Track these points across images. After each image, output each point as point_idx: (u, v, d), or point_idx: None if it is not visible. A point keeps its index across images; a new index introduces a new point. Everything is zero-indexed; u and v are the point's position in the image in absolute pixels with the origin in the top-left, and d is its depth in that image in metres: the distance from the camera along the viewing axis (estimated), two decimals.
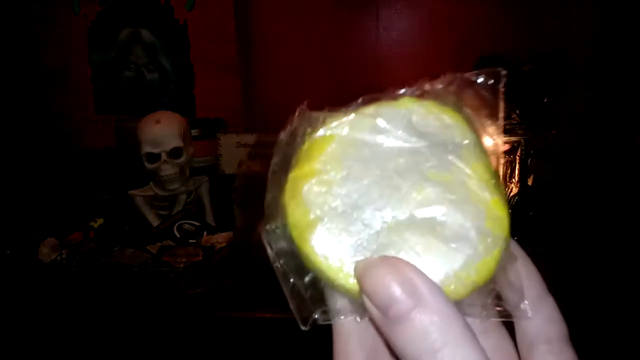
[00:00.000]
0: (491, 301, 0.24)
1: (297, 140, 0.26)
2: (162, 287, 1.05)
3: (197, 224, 1.25)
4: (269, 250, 0.25)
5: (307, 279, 0.25)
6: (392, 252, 0.23)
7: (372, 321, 0.21)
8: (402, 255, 0.22)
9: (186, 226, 1.24)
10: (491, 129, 0.26)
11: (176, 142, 1.23)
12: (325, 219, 0.23)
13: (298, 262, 0.24)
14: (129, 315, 1.02)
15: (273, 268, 0.25)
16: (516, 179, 1.15)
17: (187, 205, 1.33)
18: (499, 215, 0.23)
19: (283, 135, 0.27)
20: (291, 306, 0.25)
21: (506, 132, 1.12)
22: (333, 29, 1.61)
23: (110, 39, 1.74)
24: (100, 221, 1.25)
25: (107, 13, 1.72)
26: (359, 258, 0.23)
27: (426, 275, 0.21)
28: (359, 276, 0.22)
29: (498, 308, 0.24)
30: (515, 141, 1.14)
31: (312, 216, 0.24)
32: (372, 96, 0.26)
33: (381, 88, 0.27)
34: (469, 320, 0.24)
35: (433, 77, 0.27)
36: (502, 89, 0.25)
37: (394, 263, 0.21)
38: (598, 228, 1.16)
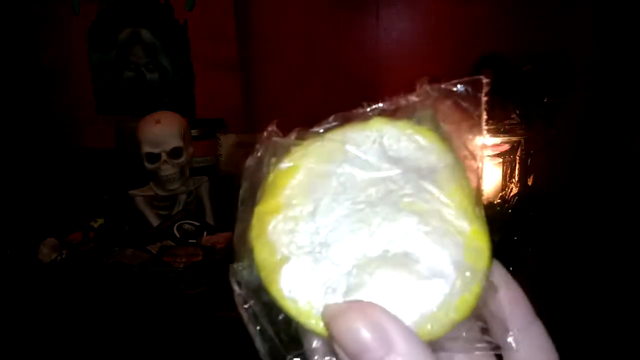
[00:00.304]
0: (475, 334, 0.22)
1: (263, 169, 0.25)
2: (162, 287, 1.05)
3: (197, 224, 1.25)
4: (236, 291, 0.24)
5: (279, 320, 0.23)
6: (362, 293, 0.21)
7: None
8: (372, 296, 0.21)
9: (186, 226, 1.24)
10: (473, 144, 0.24)
11: (176, 142, 1.23)
12: (292, 259, 0.22)
13: (268, 302, 0.23)
14: (129, 315, 1.02)
15: (240, 311, 0.24)
16: (516, 179, 1.15)
17: (187, 205, 1.33)
18: (478, 246, 0.22)
19: (250, 161, 0.25)
20: (261, 351, 0.23)
21: (506, 132, 1.12)
22: (333, 29, 1.61)
23: (110, 39, 1.74)
24: (100, 221, 1.25)
25: (107, 13, 1.72)
26: (329, 300, 0.21)
27: (398, 319, 0.20)
28: (327, 323, 0.20)
29: (484, 341, 0.23)
30: (515, 141, 1.14)
31: (278, 257, 0.22)
32: (343, 114, 0.25)
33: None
34: (458, 356, 0.23)
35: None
36: (484, 98, 0.23)
37: (363, 308, 0.20)
38: (598, 228, 1.16)
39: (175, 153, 1.24)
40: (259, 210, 0.24)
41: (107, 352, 1.02)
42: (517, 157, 1.15)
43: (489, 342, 0.23)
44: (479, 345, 0.23)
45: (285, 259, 0.22)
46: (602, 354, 0.87)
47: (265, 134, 0.25)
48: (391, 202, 0.22)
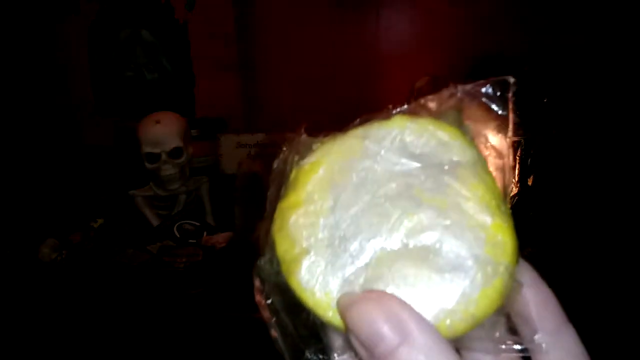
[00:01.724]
0: (501, 335, 0.22)
1: (287, 168, 0.25)
2: (162, 287, 1.05)
3: (197, 224, 1.25)
4: (257, 286, 0.24)
5: (299, 316, 0.23)
6: (380, 286, 0.21)
7: None
8: (390, 288, 0.21)
9: (186, 226, 1.24)
10: (498, 143, 0.24)
11: (176, 142, 1.23)
12: (312, 252, 0.22)
13: (290, 297, 0.23)
14: (129, 315, 1.02)
15: (261, 306, 0.24)
16: (516, 179, 1.15)
17: (187, 205, 1.33)
18: (501, 240, 0.21)
19: (276, 164, 0.26)
20: (281, 345, 0.23)
21: None
22: (333, 29, 1.61)
23: (110, 39, 1.74)
24: (100, 221, 1.25)
25: (107, 13, 1.72)
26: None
27: (414, 310, 0.19)
28: (343, 313, 0.20)
29: (511, 341, 0.22)
30: (515, 141, 1.14)
31: (297, 250, 0.22)
32: (368, 116, 0.25)
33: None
34: (482, 357, 0.23)
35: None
36: (511, 99, 0.23)
37: (379, 297, 0.20)
38: (598, 228, 1.16)
39: (175, 153, 1.24)
40: (282, 205, 0.24)
41: (107, 352, 1.02)
42: (517, 157, 1.15)
43: (516, 343, 0.22)
44: (505, 346, 0.22)
45: (305, 252, 0.22)
46: (602, 354, 0.87)
47: (290, 137, 0.25)
48: (411, 196, 0.22)
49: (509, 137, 0.24)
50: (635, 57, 1.37)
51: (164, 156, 1.23)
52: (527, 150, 1.16)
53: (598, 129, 1.38)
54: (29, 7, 1.74)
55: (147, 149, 1.22)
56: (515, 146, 1.15)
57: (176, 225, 1.23)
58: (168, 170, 1.24)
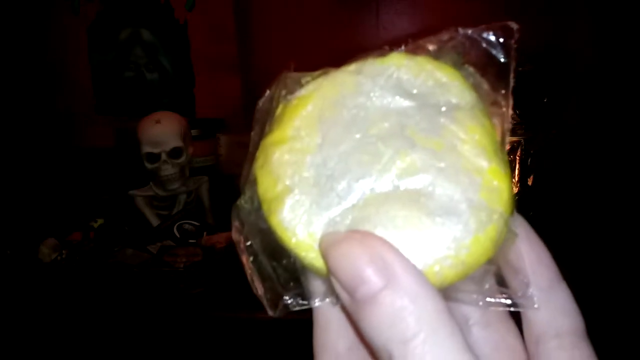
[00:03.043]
0: (490, 288, 0.21)
1: (274, 105, 0.24)
2: (162, 287, 1.05)
3: (197, 224, 1.25)
4: (236, 226, 0.23)
5: (280, 259, 0.22)
6: (367, 227, 0.19)
7: (343, 306, 0.18)
8: (378, 230, 0.19)
9: (186, 226, 1.24)
10: (499, 88, 0.22)
11: (176, 142, 1.23)
12: (296, 191, 0.21)
13: (270, 240, 0.22)
14: (129, 315, 1.01)
15: (239, 248, 0.22)
16: (516, 179, 1.15)
17: (187, 205, 1.33)
18: (497, 185, 0.20)
19: (261, 102, 0.24)
20: (258, 290, 0.22)
21: None
22: (333, 29, 1.61)
23: (110, 39, 1.74)
24: (100, 221, 1.25)
25: (107, 13, 1.72)
26: None
27: (400, 252, 0.18)
28: (324, 253, 0.19)
29: (501, 296, 0.21)
30: (515, 141, 1.14)
31: (280, 187, 0.21)
32: (364, 54, 0.23)
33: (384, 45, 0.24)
34: (470, 310, 0.22)
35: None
36: (514, 46, 0.22)
37: (363, 238, 0.18)
38: (598, 228, 1.16)
39: (175, 153, 1.24)
40: (265, 141, 0.22)
41: (107, 352, 1.02)
42: (517, 157, 1.15)
43: (507, 297, 0.21)
44: (495, 300, 0.21)
45: (288, 190, 0.21)
46: (602, 354, 0.87)
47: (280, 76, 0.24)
48: (405, 136, 0.21)
49: (510, 84, 0.22)
50: (636, 56, 1.37)
51: (164, 156, 1.23)
52: (527, 150, 1.16)
53: (598, 129, 1.38)
54: (27, 7, 1.74)
55: (147, 149, 1.22)
56: (515, 146, 1.15)
57: (176, 225, 1.23)
58: (168, 170, 1.24)
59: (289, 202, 0.21)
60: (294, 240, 0.20)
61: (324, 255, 0.19)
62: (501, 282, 0.21)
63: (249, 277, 0.22)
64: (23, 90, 1.78)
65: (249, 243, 0.22)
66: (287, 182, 0.21)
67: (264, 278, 0.22)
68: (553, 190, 1.24)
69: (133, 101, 1.76)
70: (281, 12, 1.63)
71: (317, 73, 0.23)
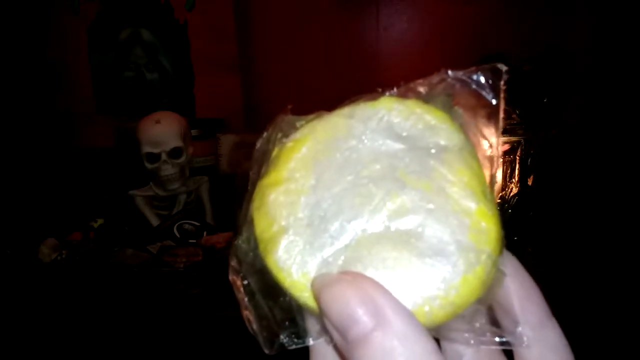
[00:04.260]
0: (481, 326, 0.21)
1: (270, 147, 0.25)
2: (162, 287, 1.05)
3: (197, 224, 1.25)
4: (233, 266, 0.23)
5: (276, 298, 0.22)
6: (359, 268, 0.20)
7: (336, 345, 0.19)
8: (369, 271, 0.20)
9: (186, 226, 1.24)
10: (488, 130, 0.23)
11: (176, 142, 1.23)
12: (291, 231, 0.21)
13: (266, 279, 0.22)
14: (129, 315, 1.01)
15: (235, 286, 0.23)
16: (516, 179, 1.15)
17: (187, 205, 1.33)
18: (485, 227, 0.20)
19: (259, 143, 0.25)
20: (254, 327, 0.23)
21: (506, 132, 1.12)
22: (333, 29, 1.61)
23: (110, 39, 1.74)
24: (100, 221, 1.25)
25: (107, 13, 1.72)
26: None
27: (390, 293, 0.18)
28: (317, 294, 0.19)
29: (492, 334, 0.21)
30: (515, 141, 1.14)
31: (276, 228, 0.22)
32: (356, 98, 0.24)
33: (376, 87, 0.25)
34: (463, 347, 0.22)
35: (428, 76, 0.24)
36: (503, 87, 0.22)
37: (354, 279, 0.19)
38: (598, 228, 1.16)
39: (175, 153, 1.24)
40: (262, 183, 0.23)
41: (107, 352, 1.02)
42: (517, 157, 1.15)
43: (497, 335, 0.21)
44: (486, 338, 0.21)
45: (284, 231, 0.21)
46: (602, 354, 0.87)
47: (276, 117, 0.25)
48: (395, 178, 0.22)
49: (499, 125, 0.23)
50: (636, 56, 1.37)
51: (164, 156, 1.23)
52: (527, 150, 1.16)
53: (598, 129, 1.38)
54: (27, 7, 1.74)
55: (147, 149, 1.22)
56: (515, 146, 1.15)
57: (176, 225, 1.23)
58: (168, 170, 1.24)
59: (284, 242, 0.21)
60: (288, 280, 0.21)
61: (317, 297, 0.19)
62: (493, 320, 0.22)
63: (244, 316, 0.23)
64: (23, 90, 1.78)
65: (246, 282, 0.23)
66: (283, 223, 0.22)
67: (260, 317, 0.23)
68: (553, 190, 1.24)
69: (133, 101, 1.76)
70: (281, 12, 1.63)
71: (311, 117, 0.24)
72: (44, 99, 1.81)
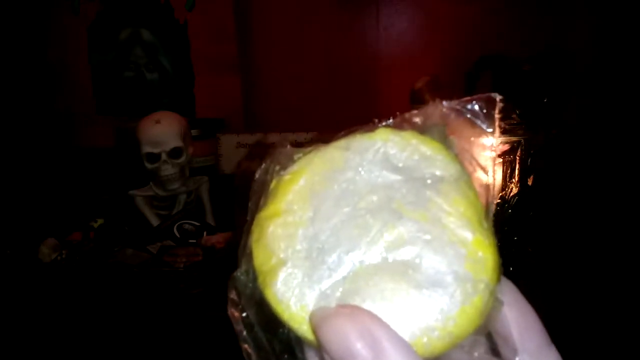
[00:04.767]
0: (480, 356, 0.21)
1: (268, 178, 0.25)
2: (162, 287, 1.05)
3: (197, 224, 1.25)
4: (232, 299, 0.23)
5: (275, 330, 0.23)
6: (357, 300, 0.20)
7: None
8: (367, 303, 0.20)
9: (186, 226, 1.24)
10: (483, 159, 0.24)
11: (176, 142, 1.23)
12: (289, 264, 0.21)
13: (265, 311, 0.22)
14: (129, 315, 1.01)
15: (234, 319, 0.23)
16: (516, 179, 1.15)
17: (187, 205, 1.33)
18: (481, 256, 0.21)
19: (258, 174, 0.25)
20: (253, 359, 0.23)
21: (506, 132, 1.12)
22: (333, 29, 1.61)
23: (110, 39, 1.74)
24: (100, 221, 1.25)
25: (107, 13, 1.72)
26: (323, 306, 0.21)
27: (388, 326, 0.19)
28: (315, 328, 0.19)
29: None
30: (515, 141, 1.14)
31: (274, 261, 0.22)
32: (352, 129, 0.24)
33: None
34: None
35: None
36: (497, 116, 0.23)
37: (352, 312, 0.19)
38: (598, 228, 1.16)
39: (175, 153, 1.24)
40: (260, 215, 0.24)
41: (107, 352, 1.02)
42: (517, 157, 1.15)
43: None
44: None
45: (282, 263, 0.22)
46: (602, 354, 0.87)
47: (274, 149, 0.25)
48: (392, 209, 0.22)
49: (494, 154, 0.23)
50: (636, 56, 1.37)
51: (164, 156, 1.23)
52: (527, 150, 1.16)
53: (598, 129, 1.38)
54: (27, 7, 1.74)
55: (147, 149, 1.22)
56: (515, 146, 1.15)
57: (176, 225, 1.23)
58: (168, 170, 1.24)
59: (282, 275, 0.21)
60: (287, 313, 0.21)
61: (315, 330, 0.19)
62: (493, 349, 0.22)
63: (243, 349, 0.23)
64: (23, 90, 1.78)
65: (244, 314, 0.23)
66: (281, 255, 0.22)
67: (259, 349, 0.23)
68: (553, 190, 1.24)
69: (133, 101, 1.76)
70: (281, 12, 1.63)
71: (308, 149, 0.25)
72: (44, 99, 1.81)
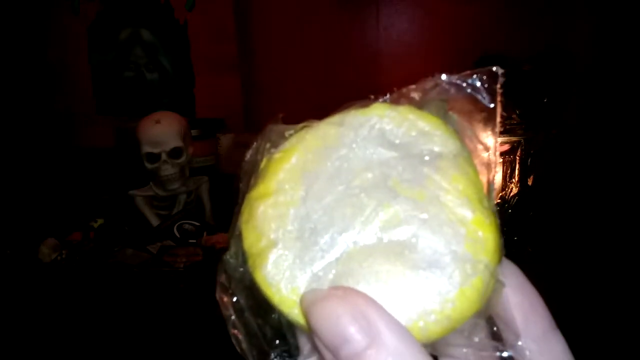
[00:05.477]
0: (481, 340, 0.20)
1: (259, 158, 0.24)
2: (162, 287, 1.05)
3: (197, 224, 1.25)
4: (221, 282, 0.22)
5: (266, 315, 0.22)
6: (350, 282, 0.19)
7: None
8: (361, 285, 0.19)
9: (186, 226, 1.24)
10: (484, 135, 0.22)
11: (176, 142, 1.23)
12: (280, 245, 0.20)
13: (256, 295, 0.21)
14: (129, 315, 1.01)
15: (222, 303, 0.22)
16: (516, 179, 1.15)
17: (187, 205, 1.33)
18: (481, 236, 0.19)
19: (249, 154, 0.24)
20: (243, 347, 0.22)
21: (506, 132, 1.12)
22: (333, 29, 1.61)
23: (110, 39, 1.74)
24: (100, 221, 1.25)
25: (107, 13, 1.72)
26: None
27: (383, 309, 0.17)
28: (306, 311, 0.18)
29: (492, 348, 0.20)
30: (515, 141, 1.14)
31: (264, 242, 0.21)
32: (348, 105, 0.23)
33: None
34: None
35: (425, 78, 0.24)
36: (499, 91, 0.21)
37: (346, 294, 0.18)
38: (598, 228, 1.16)
39: (175, 153, 1.24)
40: (250, 195, 0.22)
41: (107, 352, 1.02)
42: (517, 157, 1.15)
43: (497, 350, 0.20)
44: (486, 353, 0.20)
45: (272, 244, 0.21)
46: (602, 354, 0.87)
47: (266, 127, 0.24)
48: (387, 187, 0.21)
49: (496, 130, 0.22)
50: (636, 56, 1.37)
51: (164, 156, 1.23)
52: (527, 150, 1.16)
53: (598, 129, 1.38)
54: (28, 7, 1.74)
55: (147, 149, 1.22)
56: (515, 146, 1.15)
57: (176, 225, 1.23)
58: (168, 170, 1.24)
59: (272, 257, 0.20)
60: (277, 296, 0.20)
61: (306, 314, 0.18)
62: (494, 333, 0.21)
63: (232, 335, 0.22)
64: (23, 90, 1.78)
65: (234, 299, 0.22)
66: (272, 237, 0.21)
67: (249, 335, 0.22)
68: (553, 190, 1.24)
69: (133, 101, 1.76)
70: (281, 13, 1.63)
71: (300, 126, 0.23)
72: (44, 99, 1.81)
